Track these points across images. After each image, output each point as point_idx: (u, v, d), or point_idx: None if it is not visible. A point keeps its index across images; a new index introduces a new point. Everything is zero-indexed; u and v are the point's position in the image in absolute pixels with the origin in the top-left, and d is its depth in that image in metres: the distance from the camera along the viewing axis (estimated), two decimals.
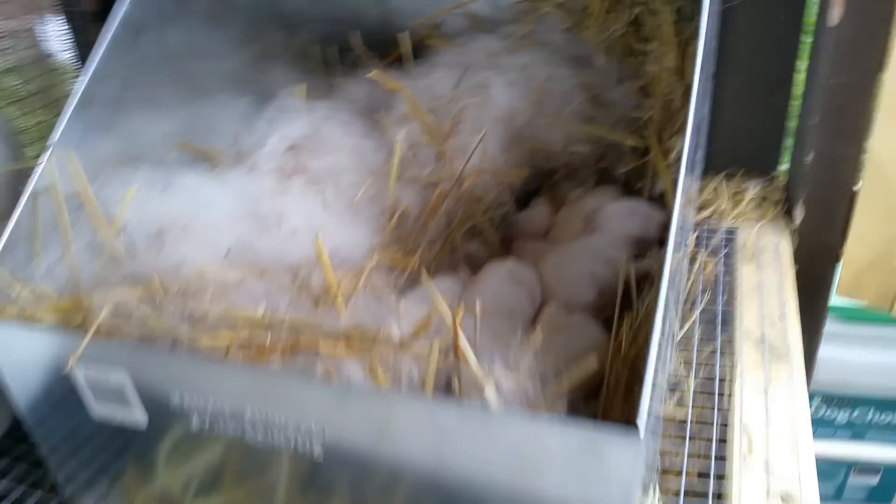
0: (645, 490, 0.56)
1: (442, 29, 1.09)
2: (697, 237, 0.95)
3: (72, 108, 0.71)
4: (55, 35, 1.26)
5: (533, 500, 0.49)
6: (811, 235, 0.95)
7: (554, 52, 0.96)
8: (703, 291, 0.86)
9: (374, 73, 0.85)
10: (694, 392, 0.71)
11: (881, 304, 0.91)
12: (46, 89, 1.24)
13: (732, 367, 0.74)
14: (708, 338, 0.79)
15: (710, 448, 0.65)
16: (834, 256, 0.95)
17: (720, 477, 0.63)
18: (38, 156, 0.68)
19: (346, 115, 0.88)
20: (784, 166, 1.09)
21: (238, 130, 0.87)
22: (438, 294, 0.56)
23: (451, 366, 0.53)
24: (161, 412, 0.57)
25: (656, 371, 0.47)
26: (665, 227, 0.58)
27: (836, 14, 0.86)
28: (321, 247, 0.62)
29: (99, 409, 0.60)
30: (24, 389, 0.62)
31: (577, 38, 0.98)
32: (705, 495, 0.61)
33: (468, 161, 0.82)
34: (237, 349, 0.56)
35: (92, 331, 0.56)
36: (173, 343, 0.57)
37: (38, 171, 0.67)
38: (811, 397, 1.47)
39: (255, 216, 0.71)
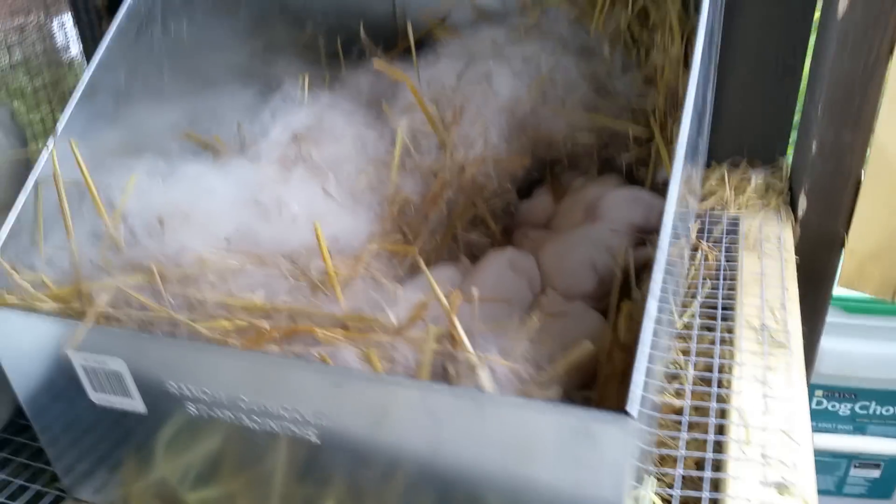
0: (640, 479, 0.56)
1: (448, 21, 1.10)
2: (700, 227, 0.95)
3: (77, 98, 0.72)
4: (64, 30, 1.26)
5: (527, 484, 0.49)
6: (814, 225, 0.94)
7: (559, 43, 0.96)
8: (705, 281, 0.85)
9: (378, 63, 0.86)
10: (692, 381, 0.71)
11: (884, 295, 0.90)
12: (54, 84, 1.25)
13: (732, 356, 0.74)
14: (708, 327, 0.79)
15: (707, 437, 0.65)
16: (837, 246, 0.94)
17: (717, 467, 0.63)
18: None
19: (350, 104, 0.89)
20: (789, 156, 1.08)
21: (241, 121, 0.87)
22: (434, 281, 0.56)
23: (447, 351, 0.53)
24: (160, 400, 0.58)
25: (649, 355, 0.47)
26: None
27: (842, 3, 0.85)
28: (320, 233, 0.63)
29: (97, 396, 0.60)
30: (24, 377, 0.63)
31: (582, 29, 0.98)
32: (701, 483, 0.61)
33: (470, 150, 0.82)
34: (235, 335, 0.57)
35: (89, 318, 0.56)
36: (172, 330, 0.58)
37: (42, 159, 0.68)
38: (812, 389, 1.46)
39: (255, 203, 0.71)
